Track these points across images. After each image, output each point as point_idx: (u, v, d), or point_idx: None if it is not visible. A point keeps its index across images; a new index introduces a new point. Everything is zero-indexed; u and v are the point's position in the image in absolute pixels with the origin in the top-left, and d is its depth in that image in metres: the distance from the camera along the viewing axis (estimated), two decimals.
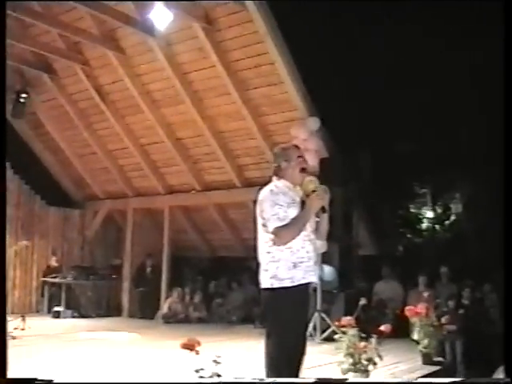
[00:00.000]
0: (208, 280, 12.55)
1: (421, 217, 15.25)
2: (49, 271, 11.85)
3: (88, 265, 12.49)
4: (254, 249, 12.01)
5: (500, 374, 1.83)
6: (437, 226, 15.08)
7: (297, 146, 4.00)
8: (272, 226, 3.53)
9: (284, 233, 3.51)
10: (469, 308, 8.69)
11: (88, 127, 11.76)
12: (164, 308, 11.26)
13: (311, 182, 3.62)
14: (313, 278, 3.65)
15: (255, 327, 10.27)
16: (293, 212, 3.59)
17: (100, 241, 13.03)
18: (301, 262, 3.61)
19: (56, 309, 11.22)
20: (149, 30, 9.21)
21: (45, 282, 11.82)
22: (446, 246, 13.94)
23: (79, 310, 11.49)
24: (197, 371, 2.97)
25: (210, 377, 2.97)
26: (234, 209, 11.83)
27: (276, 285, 3.56)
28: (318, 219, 3.72)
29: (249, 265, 12.91)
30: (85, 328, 9.67)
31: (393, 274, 10.23)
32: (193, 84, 10.06)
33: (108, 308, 12.13)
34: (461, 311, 8.53)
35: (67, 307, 11.29)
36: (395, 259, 12.38)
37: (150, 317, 11.41)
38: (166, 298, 11.53)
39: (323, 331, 8.20)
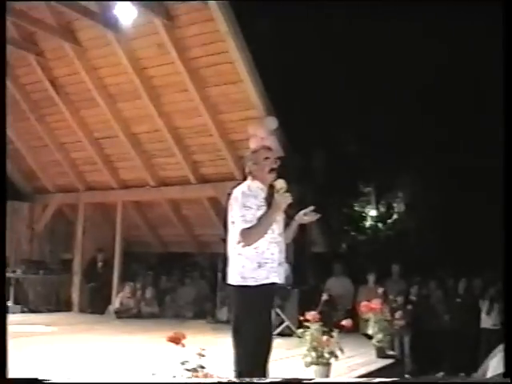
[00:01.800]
0: (160, 275, 12.56)
1: (364, 215, 15.70)
2: None
3: (37, 259, 12.27)
4: (206, 245, 12.11)
5: (488, 370, 1.99)
6: (380, 224, 15.57)
7: (266, 148, 4.08)
8: (239, 227, 3.66)
9: (249, 234, 3.64)
10: (416, 304, 9.10)
11: (40, 119, 11.53)
12: (116, 303, 11.20)
13: (278, 183, 3.71)
14: (276, 279, 3.76)
15: (207, 322, 10.41)
16: (260, 214, 3.69)
17: (50, 235, 12.78)
18: (265, 263, 3.72)
19: None
20: (108, 23, 9.15)
21: None
22: (390, 243, 14.41)
23: (28, 305, 11.29)
24: (183, 363, 3.07)
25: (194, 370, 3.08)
26: (188, 205, 11.87)
27: (241, 282, 3.70)
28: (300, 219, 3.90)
29: (200, 260, 13.04)
30: (34, 323, 9.53)
31: (343, 270, 10.54)
32: (151, 80, 10.03)
33: (58, 303, 11.97)
34: (409, 307, 8.93)
35: (16, 302, 11.08)
36: (344, 256, 12.75)
37: (101, 312, 11.33)
38: (118, 293, 11.48)
39: (277, 326, 8.38)
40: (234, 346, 3.77)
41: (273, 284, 3.75)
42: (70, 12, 9.23)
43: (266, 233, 3.69)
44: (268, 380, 3.44)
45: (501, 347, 2.08)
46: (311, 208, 3.96)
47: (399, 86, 12.31)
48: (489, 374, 2.04)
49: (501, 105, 3.62)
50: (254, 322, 3.68)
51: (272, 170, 3.84)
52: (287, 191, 3.68)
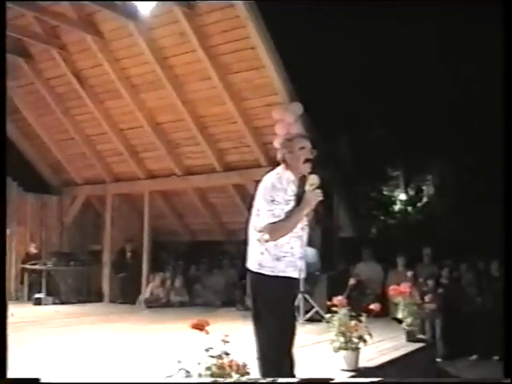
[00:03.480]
0: (188, 264, 12.62)
1: (394, 199, 15.52)
2: (28, 258, 11.77)
3: (67, 251, 12.43)
4: (234, 233, 12.09)
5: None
6: (409, 208, 15.37)
7: (302, 136, 4.01)
8: (265, 221, 3.57)
9: (276, 230, 3.55)
10: (447, 287, 8.97)
11: (66, 112, 11.64)
12: (146, 293, 11.31)
13: (311, 178, 3.60)
14: (293, 274, 3.68)
15: (237, 309, 10.42)
16: (288, 208, 3.60)
17: (79, 227, 12.96)
18: (283, 257, 3.64)
19: (37, 296, 11.17)
20: (129, 14, 9.16)
21: (24, 269, 11.73)
22: (420, 227, 14.22)
23: (60, 297, 11.45)
24: (206, 350, 3.05)
25: (219, 356, 3.06)
26: (214, 193, 11.89)
27: (259, 270, 3.65)
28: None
29: (228, 248, 13.03)
30: (67, 315, 9.68)
31: (372, 255, 10.44)
32: (173, 69, 10.04)
33: (89, 294, 12.12)
34: (440, 290, 8.80)
35: (48, 294, 11.24)
36: (373, 241, 12.62)
37: (131, 302, 11.44)
38: (147, 282, 11.58)
39: (306, 312, 8.35)
40: (254, 332, 3.73)
41: (290, 278, 3.66)
42: (91, 4, 9.26)
43: (293, 229, 3.60)
44: (271, 380, 3.41)
45: None
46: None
47: (428, 67, 12.11)
48: None
49: None
50: (272, 311, 3.62)
51: (307, 160, 3.69)
52: (318, 187, 3.58)
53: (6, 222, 3.46)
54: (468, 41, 11.62)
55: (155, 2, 8.40)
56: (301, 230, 3.72)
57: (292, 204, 3.61)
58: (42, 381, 3.44)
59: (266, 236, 3.58)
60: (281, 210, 3.56)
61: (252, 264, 3.71)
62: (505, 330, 1.85)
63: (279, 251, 3.61)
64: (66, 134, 12.02)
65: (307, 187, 3.59)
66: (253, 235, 3.73)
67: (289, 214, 3.57)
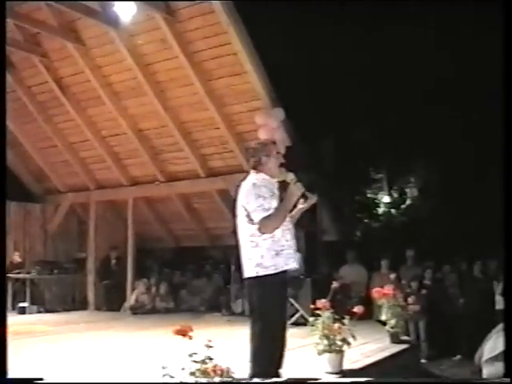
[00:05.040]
0: (173, 270, 12.60)
1: (377, 202, 15.60)
2: (12, 267, 11.67)
3: (51, 259, 12.35)
4: (218, 238, 12.05)
5: (483, 354, 1.98)
6: (393, 211, 15.47)
7: (274, 142, 4.34)
8: (258, 216, 3.79)
9: (270, 222, 3.78)
10: (431, 288, 9.04)
11: (48, 120, 11.61)
12: (131, 300, 11.27)
13: (289, 176, 3.92)
14: (294, 264, 3.96)
15: (223, 315, 10.44)
16: (274, 203, 3.87)
17: (63, 235, 12.88)
18: (282, 250, 3.89)
19: (21, 305, 11.07)
20: (109, 21, 9.15)
21: (8, 278, 11.63)
22: (403, 229, 14.30)
23: (44, 305, 11.38)
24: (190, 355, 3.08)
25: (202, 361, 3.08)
26: (198, 198, 11.90)
27: (261, 272, 3.83)
28: (303, 205, 4.05)
29: (213, 254, 13.04)
30: (52, 323, 9.61)
31: (356, 258, 10.50)
32: (155, 75, 10.05)
33: (73, 302, 12.06)
34: (423, 292, 8.87)
35: (32, 303, 11.18)
36: (357, 244, 12.69)
37: (116, 309, 11.39)
38: (132, 289, 11.54)
39: (291, 316, 8.37)
40: (252, 337, 3.88)
41: (286, 271, 3.91)
42: (72, 12, 9.24)
43: (283, 221, 3.85)
44: (270, 380, 3.49)
45: (496, 330, 2.05)
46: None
47: (408, 70, 12.20)
48: (484, 358, 2.02)
49: None
50: (274, 310, 3.86)
51: (281, 164, 4.09)
52: (297, 182, 3.87)
53: (5, 229, 3.46)
54: (449, 42, 11.75)
55: (136, 9, 8.41)
56: (289, 222, 4.02)
57: (275, 199, 3.92)
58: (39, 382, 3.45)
59: (261, 231, 3.81)
60: (269, 204, 3.82)
61: (251, 270, 3.89)
62: (505, 330, 1.90)
63: (277, 246, 3.87)
64: (49, 141, 11.97)
65: (289, 182, 3.90)
66: (247, 242, 3.92)
67: (277, 207, 3.85)
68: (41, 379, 3.38)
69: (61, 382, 4.41)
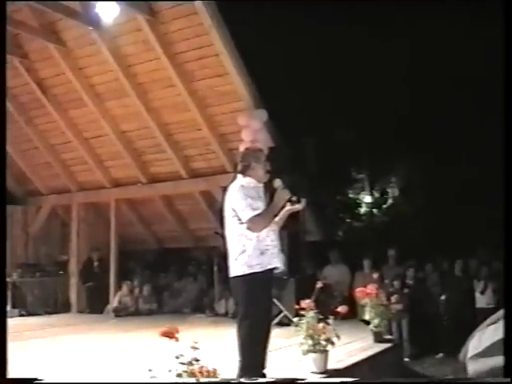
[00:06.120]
0: (157, 272, 12.56)
1: (359, 202, 15.71)
2: None
3: (33, 262, 12.26)
4: (202, 239, 12.06)
5: (468, 351, 2.01)
6: (374, 210, 15.59)
7: (263, 150, 4.68)
8: (247, 215, 3.97)
9: (259, 220, 3.97)
10: (413, 287, 9.13)
11: (29, 122, 11.51)
12: (114, 302, 11.21)
13: (277, 182, 4.31)
14: (277, 263, 4.15)
15: (206, 316, 10.44)
16: (261, 205, 4.09)
17: (44, 237, 12.76)
18: (266, 250, 4.07)
19: None
20: (91, 22, 9.10)
21: None
22: (385, 229, 14.42)
23: (26, 309, 11.29)
24: (177, 357, 3.08)
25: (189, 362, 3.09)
26: (181, 200, 11.87)
27: (247, 271, 3.99)
28: (290, 207, 4.26)
29: (196, 255, 13.03)
30: (34, 326, 9.54)
31: (339, 257, 10.56)
32: (137, 76, 10.01)
33: (56, 305, 11.97)
34: (406, 291, 8.96)
35: (14, 306, 11.06)
36: (340, 243, 12.77)
37: (99, 311, 11.33)
38: (115, 292, 11.48)
39: (275, 316, 8.40)
40: (238, 336, 4.04)
41: (273, 269, 4.12)
42: (53, 12, 9.18)
43: (271, 221, 4.07)
44: (264, 380, 3.57)
45: (480, 327, 2.09)
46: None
47: (390, 70, 12.30)
48: (468, 355, 2.06)
49: (498, 92, 3.62)
50: (260, 308, 4.03)
51: (268, 171, 4.35)
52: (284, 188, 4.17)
53: (6, 229, 3.44)
54: (433, 43, 11.87)
55: (118, 11, 8.38)
56: (275, 224, 4.23)
57: (261, 201, 4.16)
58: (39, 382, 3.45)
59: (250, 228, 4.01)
60: (256, 204, 4.04)
61: (238, 269, 4.06)
62: (505, 330, 1.93)
63: (262, 245, 4.06)
64: (30, 143, 11.88)
65: (276, 188, 4.21)
66: (235, 242, 4.09)
67: (266, 208, 4.09)
68: (41, 379, 3.36)
69: (60, 382, 4.40)
